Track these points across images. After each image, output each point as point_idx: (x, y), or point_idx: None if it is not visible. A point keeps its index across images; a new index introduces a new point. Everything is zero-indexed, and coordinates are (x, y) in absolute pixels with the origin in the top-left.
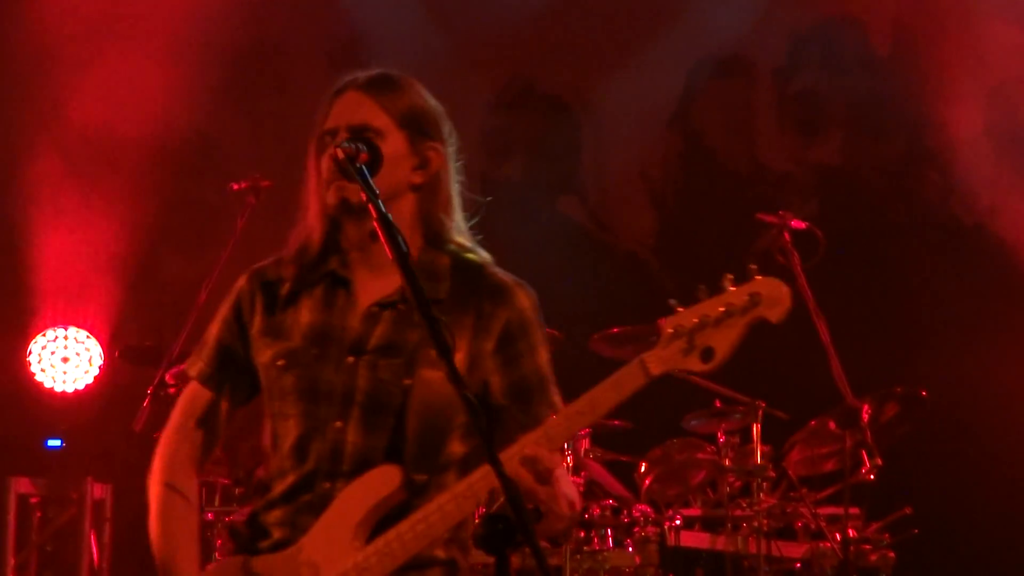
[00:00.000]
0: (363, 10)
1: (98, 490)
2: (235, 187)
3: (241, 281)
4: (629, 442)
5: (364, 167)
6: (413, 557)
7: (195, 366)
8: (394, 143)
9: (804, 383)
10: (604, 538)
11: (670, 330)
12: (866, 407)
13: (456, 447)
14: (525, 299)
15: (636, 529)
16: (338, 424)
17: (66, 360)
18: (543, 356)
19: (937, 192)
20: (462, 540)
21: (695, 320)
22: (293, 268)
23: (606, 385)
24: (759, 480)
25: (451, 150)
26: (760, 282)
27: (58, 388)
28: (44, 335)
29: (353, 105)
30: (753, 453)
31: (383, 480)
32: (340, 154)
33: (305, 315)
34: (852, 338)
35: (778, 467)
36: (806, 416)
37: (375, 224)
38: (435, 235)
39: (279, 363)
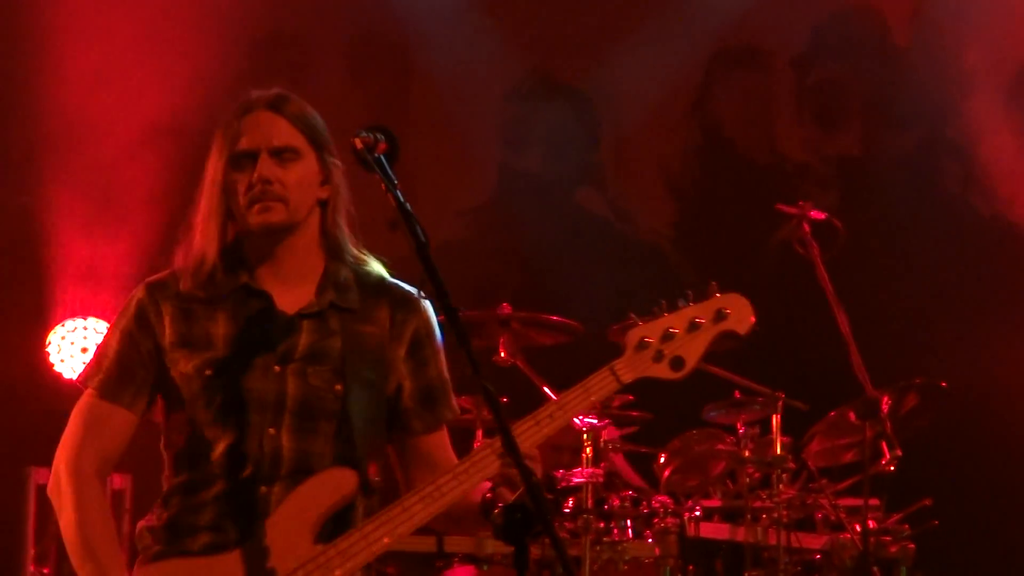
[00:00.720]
0: (380, 2)
1: (117, 480)
2: None
3: (139, 292)
4: (649, 433)
5: (383, 156)
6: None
7: (94, 378)
8: (309, 162)
9: (824, 374)
10: (624, 529)
11: (636, 340)
12: (886, 398)
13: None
14: (428, 309)
15: (656, 520)
16: (271, 431)
17: (85, 350)
18: (443, 362)
19: (956, 182)
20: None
21: (661, 332)
22: (194, 281)
23: (576, 390)
24: (779, 471)
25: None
26: (723, 298)
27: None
28: (63, 325)
29: (269, 125)
30: (773, 444)
31: (339, 481)
32: (359, 144)
33: (222, 326)
34: (872, 329)
35: (798, 458)
36: (826, 407)
37: (396, 214)
38: (336, 248)
39: (206, 373)
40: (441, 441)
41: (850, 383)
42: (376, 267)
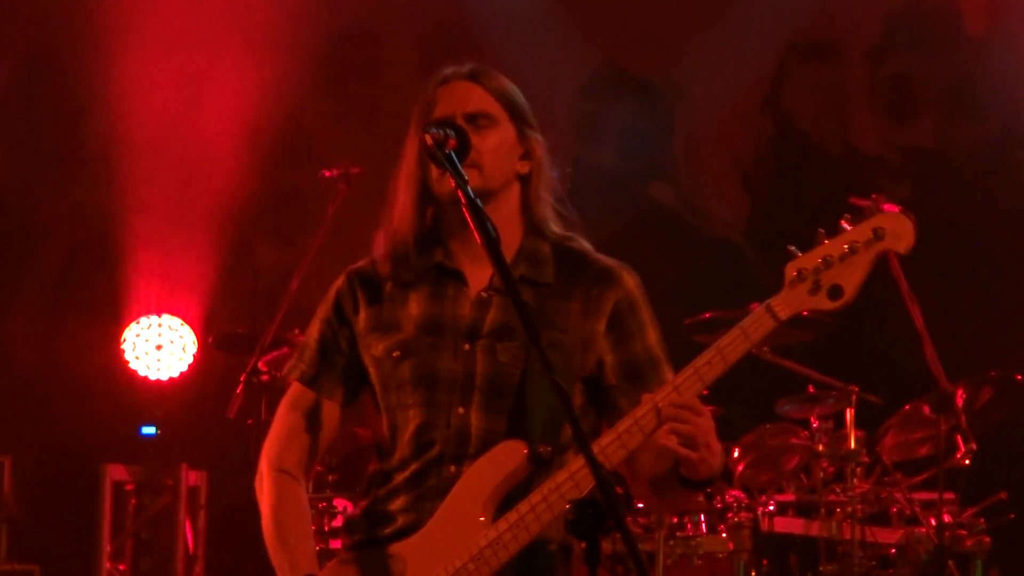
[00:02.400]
0: None
1: (193, 477)
2: (327, 174)
3: (339, 281)
4: (722, 427)
5: (453, 152)
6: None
7: (297, 369)
8: (506, 131)
9: (898, 367)
10: (697, 524)
11: (794, 273)
12: (960, 391)
13: (566, 434)
14: (631, 280)
15: (729, 515)
16: (460, 410)
17: (160, 348)
18: (652, 335)
19: None
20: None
21: (818, 260)
22: (392, 265)
23: (734, 333)
24: (853, 465)
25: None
26: (882, 216)
27: (152, 376)
28: (138, 323)
29: (464, 93)
30: (847, 438)
31: (508, 455)
32: (429, 140)
33: (415, 307)
34: (946, 322)
35: (872, 452)
36: (900, 401)
37: (464, 210)
38: (536, 224)
39: (394, 354)
40: None
41: (924, 376)
42: (582, 244)
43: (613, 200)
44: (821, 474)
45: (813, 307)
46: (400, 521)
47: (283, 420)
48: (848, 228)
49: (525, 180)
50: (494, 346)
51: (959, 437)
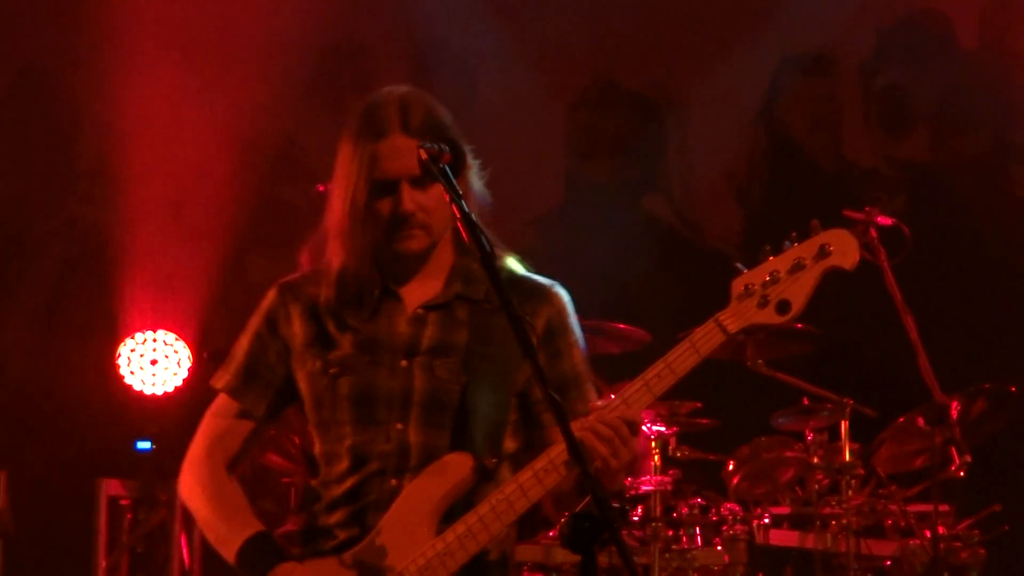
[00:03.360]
0: (447, 11)
1: None
2: (320, 188)
3: (271, 295)
4: (717, 441)
5: (447, 167)
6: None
7: (222, 379)
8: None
9: (892, 380)
10: (693, 536)
11: (741, 288)
12: (955, 404)
13: (509, 443)
14: (561, 299)
15: (725, 527)
16: (399, 426)
17: (155, 363)
18: (579, 354)
19: None
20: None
21: (765, 276)
22: (329, 290)
23: (683, 347)
24: (848, 478)
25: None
26: (828, 233)
27: (147, 391)
28: (133, 338)
29: (407, 154)
30: (841, 451)
31: (454, 467)
32: (424, 154)
33: (351, 324)
34: (940, 334)
35: (867, 464)
36: (894, 413)
37: (459, 224)
38: (467, 244)
39: (331, 371)
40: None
41: (919, 389)
42: (510, 262)
43: (607, 213)
44: (816, 487)
45: (762, 321)
46: (341, 535)
47: (206, 429)
48: (794, 245)
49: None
50: (432, 362)
51: (954, 449)
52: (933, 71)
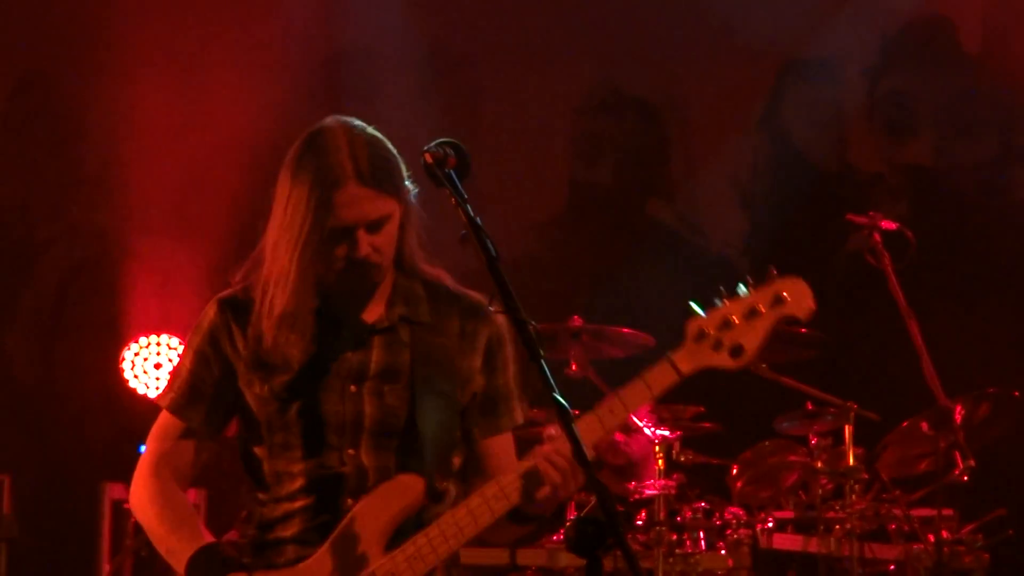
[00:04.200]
0: (451, 17)
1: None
2: None
3: (211, 312)
4: (720, 445)
5: (452, 171)
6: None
7: (167, 396)
8: (396, 216)
9: (896, 384)
10: (696, 541)
11: (696, 330)
12: (959, 408)
13: (456, 459)
14: (499, 317)
15: (728, 532)
16: (351, 451)
17: (159, 367)
18: (512, 370)
19: None
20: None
21: (720, 320)
22: (269, 319)
23: (636, 385)
24: (851, 482)
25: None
26: (782, 282)
27: (151, 395)
28: (137, 342)
29: (362, 202)
30: (845, 455)
31: (404, 489)
32: (429, 159)
33: (296, 348)
34: (944, 339)
35: (871, 469)
36: (898, 417)
37: (467, 229)
38: (408, 264)
39: (282, 395)
40: (499, 449)
41: (923, 393)
42: (448, 279)
43: (610, 218)
44: (820, 491)
45: (715, 364)
46: (292, 551)
47: (152, 446)
48: (750, 291)
49: (399, 228)
50: (381, 388)
51: (957, 454)
52: (937, 76)
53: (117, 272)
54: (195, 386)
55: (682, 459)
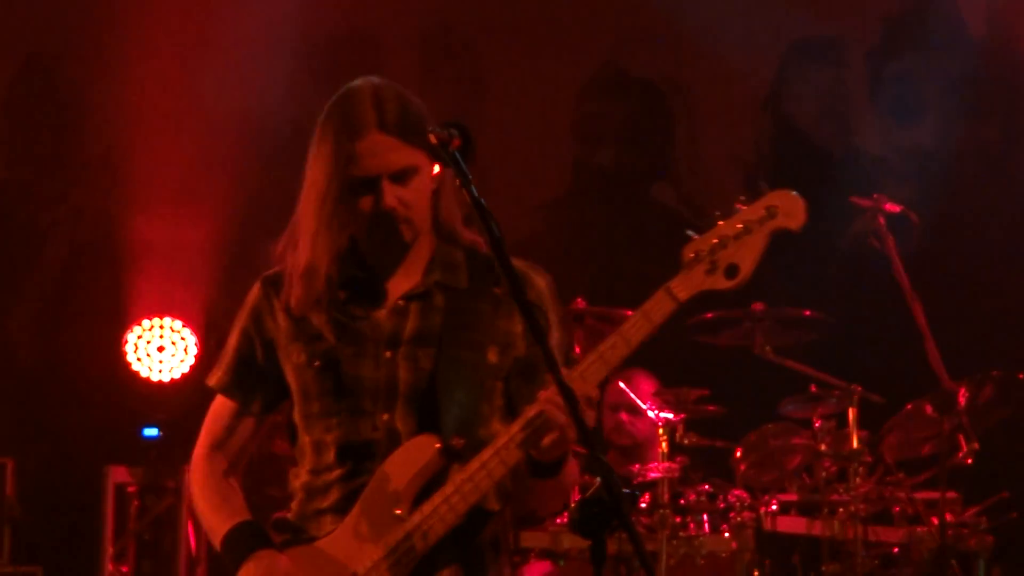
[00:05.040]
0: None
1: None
2: None
3: (255, 290)
4: (724, 428)
5: (457, 152)
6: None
7: (214, 376)
8: (425, 169)
9: (900, 367)
10: (700, 524)
11: (691, 255)
12: (963, 390)
13: (497, 427)
14: (542, 280)
15: (732, 515)
16: (385, 416)
17: (162, 350)
18: (556, 336)
19: None
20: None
21: (713, 241)
22: (304, 289)
23: (636, 317)
24: (855, 465)
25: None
26: (774, 195)
27: (154, 378)
28: (140, 325)
29: (385, 151)
30: (849, 438)
31: (420, 449)
32: (434, 139)
33: (333, 317)
34: (948, 321)
35: (874, 452)
36: (902, 400)
37: (473, 209)
38: (447, 232)
39: (316, 364)
40: None
41: (927, 376)
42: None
43: (614, 201)
44: (824, 474)
45: (711, 287)
46: (329, 522)
47: (206, 429)
48: (742, 208)
49: (436, 194)
50: (415, 353)
51: (961, 436)
52: (942, 58)
53: (120, 255)
54: (240, 364)
55: (686, 442)
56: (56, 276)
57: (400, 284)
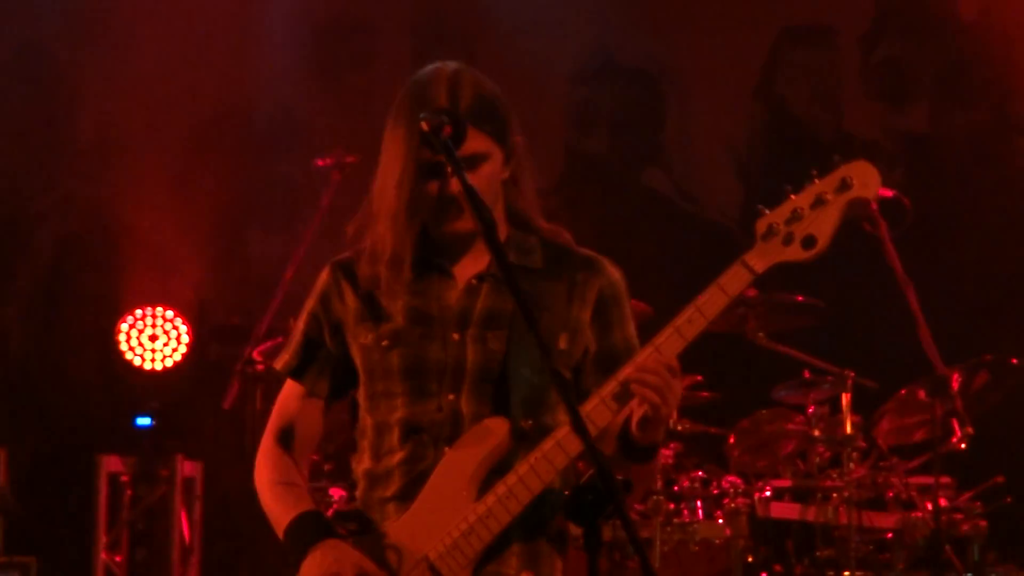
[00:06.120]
0: None
1: (188, 468)
2: (320, 163)
3: (324, 274)
4: (718, 414)
5: (448, 139)
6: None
7: (282, 359)
8: (496, 157)
9: (893, 352)
10: (694, 510)
11: (764, 228)
12: (956, 375)
13: (563, 416)
14: (615, 271)
15: (726, 501)
16: (450, 397)
17: (154, 339)
18: (632, 327)
19: None
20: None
21: (788, 214)
22: (379, 269)
23: (712, 290)
24: (849, 450)
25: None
26: (848, 166)
27: (147, 367)
28: (133, 314)
29: None
30: (843, 423)
31: (490, 431)
32: (425, 126)
33: (403, 298)
34: (941, 306)
35: (868, 437)
36: (896, 385)
37: (460, 197)
38: (521, 221)
39: (383, 343)
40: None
41: (920, 361)
42: (566, 237)
43: (606, 187)
44: (817, 459)
45: (788, 258)
46: (392, 509)
47: (276, 414)
48: (815, 181)
49: (509, 182)
50: (484, 334)
51: (955, 421)
52: (933, 43)
53: (113, 244)
54: (308, 347)
55: (679, 428)
56: (48, 265)
57: (469, 267)
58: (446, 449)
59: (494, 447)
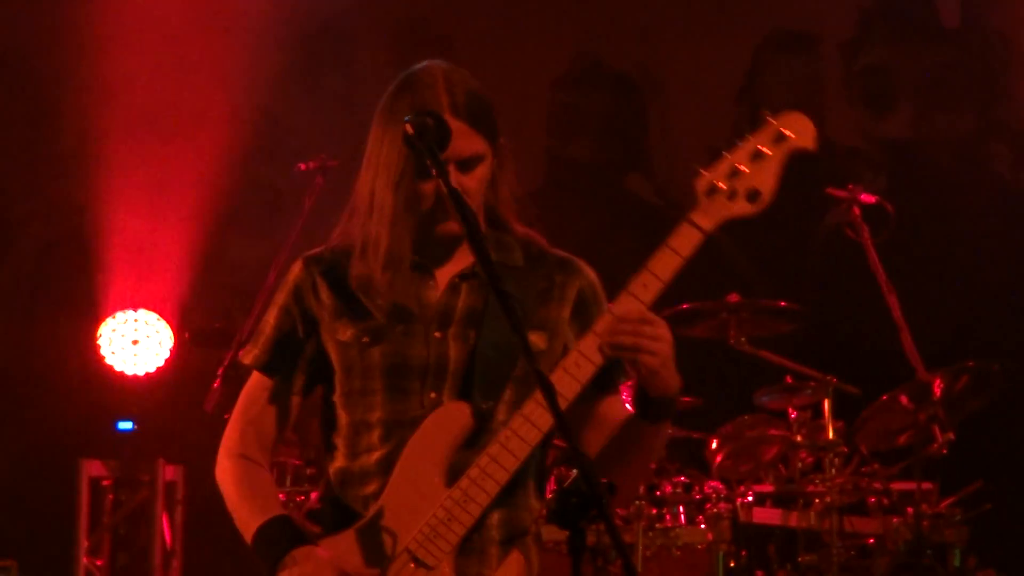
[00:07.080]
0: None
1: (170, 472)
2: (302, 167)
3: (296, 269)
4: (700, 419)
5: (432, 143)
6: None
7: (250, 354)
8: (488, 160)
9: (875, 358)
10: (676, 515)
11: (705, 186)
12: (938, 381)
13: (508, 394)
14: (591, 271)
15: (708, 506)
16: (432, 395)
17: (136, 343)
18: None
19: (1006, 165)
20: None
21: (727, 170)
22: (363, 265)
23: (663, 253)
24: (831, 456)
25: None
26: (779, 120)
27: (129, 371)
28: (114, 318)
29: (456, 136)
30: (825, 429)
31: (450, 415)
32: (409, 129)
33: (383, 296)
34: (923, 312)
35: (850, 442)
36: (878, 391)
37: (444, 197)
38: (501, 220)
39: (363, 340)
40: (615, 403)
41: (902, 367)
42: (539, 239)
43: (589, 192)
44: (799, 464)
45: (736, 213)
46: (371, 507)
47: (240, 409)
48: (748, 137)
49: (489, 183)
50: (466, 332)
51: (937, 427)
52: (915, 50)
53: (94, 248)
54: (279, 341)
55: None
56: (30, 269)
57: (450, 268)
58: (408, 438)
59: (457, 431)
